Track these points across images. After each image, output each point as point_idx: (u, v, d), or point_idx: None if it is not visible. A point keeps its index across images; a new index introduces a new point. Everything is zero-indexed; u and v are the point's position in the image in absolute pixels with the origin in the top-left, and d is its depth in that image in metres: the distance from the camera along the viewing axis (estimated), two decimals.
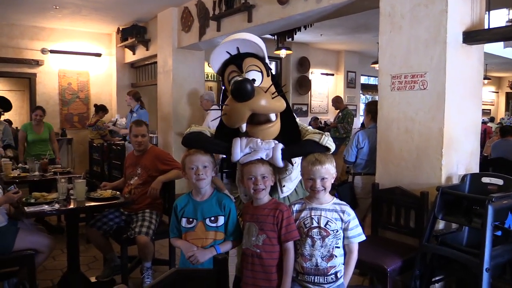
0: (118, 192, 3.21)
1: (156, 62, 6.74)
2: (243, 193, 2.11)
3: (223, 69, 1.98)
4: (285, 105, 1.89)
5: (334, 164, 1.86)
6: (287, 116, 1.94)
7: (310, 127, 2.04)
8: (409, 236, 2.83)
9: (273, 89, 1.84)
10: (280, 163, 1.85)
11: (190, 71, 6.35)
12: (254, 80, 1.86)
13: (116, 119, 7.08)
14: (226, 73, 1.96)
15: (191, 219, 2.02)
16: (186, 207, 2.04)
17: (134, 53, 7.47)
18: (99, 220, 3.17)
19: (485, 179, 2.55)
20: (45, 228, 3.74)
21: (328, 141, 1.89)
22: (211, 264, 2.02)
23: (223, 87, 2.07)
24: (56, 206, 2.74)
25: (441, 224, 2.75)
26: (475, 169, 3.02)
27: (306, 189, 1.91)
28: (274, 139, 1.89)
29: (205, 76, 7.22)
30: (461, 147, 2.86)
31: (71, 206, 2.83)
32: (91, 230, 3.16)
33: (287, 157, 1.89)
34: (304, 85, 9.59)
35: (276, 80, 2.02)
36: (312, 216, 1.85)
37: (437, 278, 2.65)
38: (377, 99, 3.20)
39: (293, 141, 1.94)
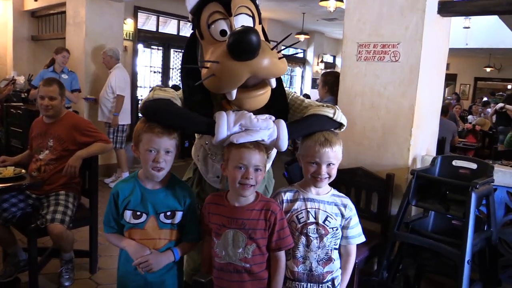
0: (23, 170, 2.53)
1: (64, 12, 5.71)
2: (211, 174, 1.66)
3: (200, 8, 1.46)
4: (287, 66, 1.46)
5: (342, 146, 1.49)
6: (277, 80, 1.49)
7: (301, 97, 1.63)
8: (370, 221, 2.61)
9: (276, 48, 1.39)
10: (285, 146, 1.41)
11: (106, 25, 5.48)
12: None
13: (13, 76, 5.97)
14: (205, 14, 1.45)
15: (139, 213, 1.52)
16: (131, 196, 1.53)
17: (36, 0, 6.29)
18: None
19: (457, 162, 2.39)
20: None
21: (342, 116, 1.52)
22: (167, 272, 1.56)
23: (191, 34, 1.56)
24: None
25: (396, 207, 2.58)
26: (434, 150, 2.89)
27: (305, 174, 1.52)
28: (259, 110, 1.46)
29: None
30: (426, 126, 2.69)
31: None
32: None
33: (293, 137, 1.46)
34: None
35: (265, 32, 1.57)
36: (308, 209, 1.49)
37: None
38: (329, 70, 2.89)
39: (281, 113, 1.52)
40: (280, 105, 1.53)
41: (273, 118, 1.42)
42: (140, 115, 1.55)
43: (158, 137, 1.44)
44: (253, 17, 1.48)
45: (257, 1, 1.53)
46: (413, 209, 2.59)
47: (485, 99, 11.29)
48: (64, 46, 5.22)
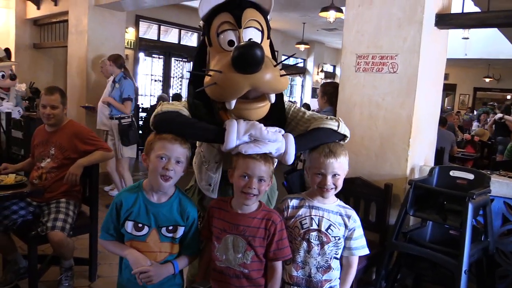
0: (24, 178, 2.55)
1: (66, 20, 5.77)
2: (204, 181, 1.68)
3: (212, 16, 1.50)
4: (288, 83, 1.50)
5: (348, 157, 1.52)
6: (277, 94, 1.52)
7: (303, 109, 1.66)
8: (369, 231, 2.61)
9: (279, 65, 1.43)
10: (291, 160, 1.44)
11: (108, 35, 5.53)
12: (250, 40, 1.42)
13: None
14: (216, 22, 1.49)
15: (140, 225, 1.54)
16: (134, 207, 1.55)
17: (38, 8, 6.34)
18: None
19: (454, 173, 2.42)
20: None
21: (346, 128, 1.56)
22: (167, 282, 1.58)
23: (200, 40, 1.60)
24: None
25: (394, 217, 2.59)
26: (431, 160, 2.91)
27: (312, 185, 1.55)
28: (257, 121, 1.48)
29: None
30: (424, 137, 2.71)
31: None
32: None
33: (300, 151, 1.49)
34: None
35: (273, 46, 1.60)
36: (312, 216, 1.52)
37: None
38: (329, 81, 2.92)
39: (277, 125, 1.55)
40: (277, 117, 1.56)
41: (283, 131, 1.45)
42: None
43: (171, 143, 1.46)
44: (262, 31, 1.51)
45: (268, 17, 1.57)
46: (411, 219, 2.60)
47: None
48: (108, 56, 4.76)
